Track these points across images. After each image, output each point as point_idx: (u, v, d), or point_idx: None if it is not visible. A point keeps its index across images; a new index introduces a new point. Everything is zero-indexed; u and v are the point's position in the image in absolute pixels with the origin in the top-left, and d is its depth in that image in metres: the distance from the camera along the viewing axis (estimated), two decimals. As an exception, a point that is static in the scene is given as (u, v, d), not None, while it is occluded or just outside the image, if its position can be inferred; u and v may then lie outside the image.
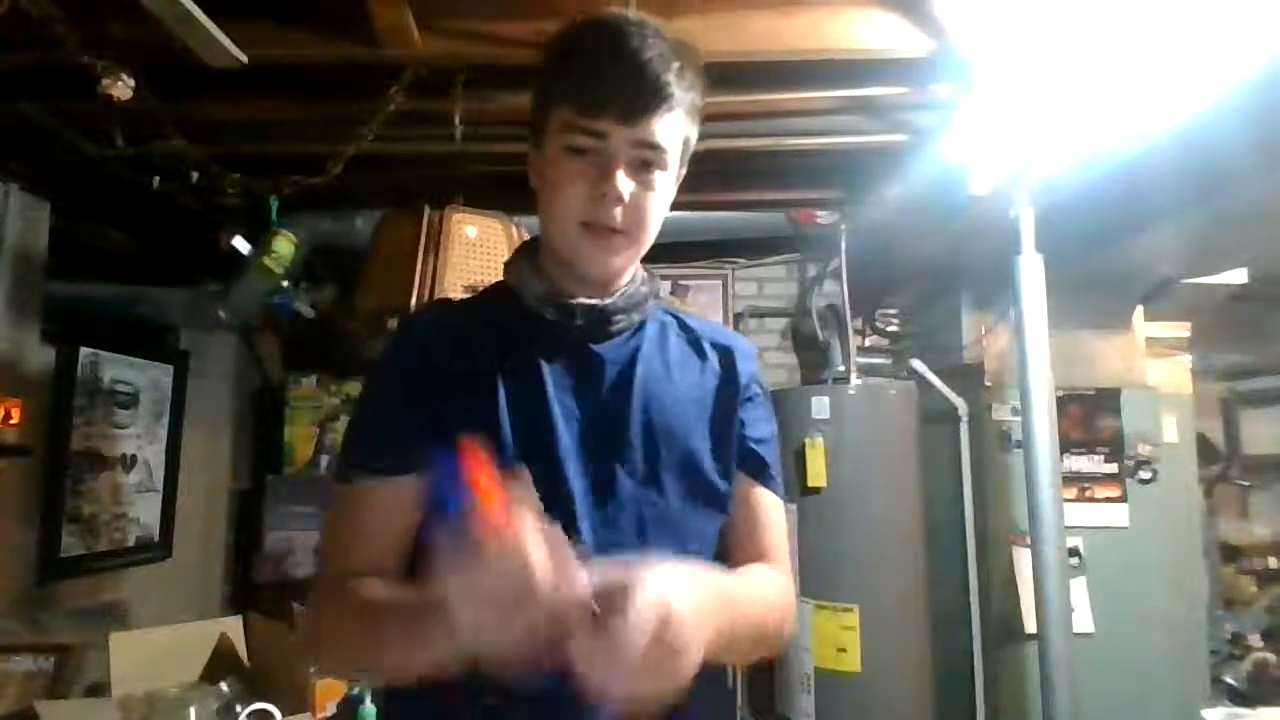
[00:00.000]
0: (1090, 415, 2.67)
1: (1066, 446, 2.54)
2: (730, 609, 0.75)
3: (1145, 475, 2.63)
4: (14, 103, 1.91)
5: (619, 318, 0.90)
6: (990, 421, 2.69)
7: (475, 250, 1.80)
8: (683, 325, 0.99)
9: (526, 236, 1.99)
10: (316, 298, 3.02)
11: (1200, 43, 1.42)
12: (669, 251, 3.18)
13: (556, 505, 0.75)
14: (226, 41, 1.49)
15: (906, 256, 2.77)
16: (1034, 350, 2.00)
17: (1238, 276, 2.52)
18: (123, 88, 1.59)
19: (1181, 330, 2.75)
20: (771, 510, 0.95)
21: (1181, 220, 1.96)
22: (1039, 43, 1.61)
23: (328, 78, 1.89)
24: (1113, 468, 2.64)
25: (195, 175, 2.18)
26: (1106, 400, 2.67)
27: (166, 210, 2.44)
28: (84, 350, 2.67)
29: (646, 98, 0.80)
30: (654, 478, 0.85)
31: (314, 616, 0.84)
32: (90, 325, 2.75)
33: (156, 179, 2.21)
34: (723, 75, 1.91)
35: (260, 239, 2.56)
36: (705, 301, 3.33)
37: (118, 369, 2.82)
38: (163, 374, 3.06)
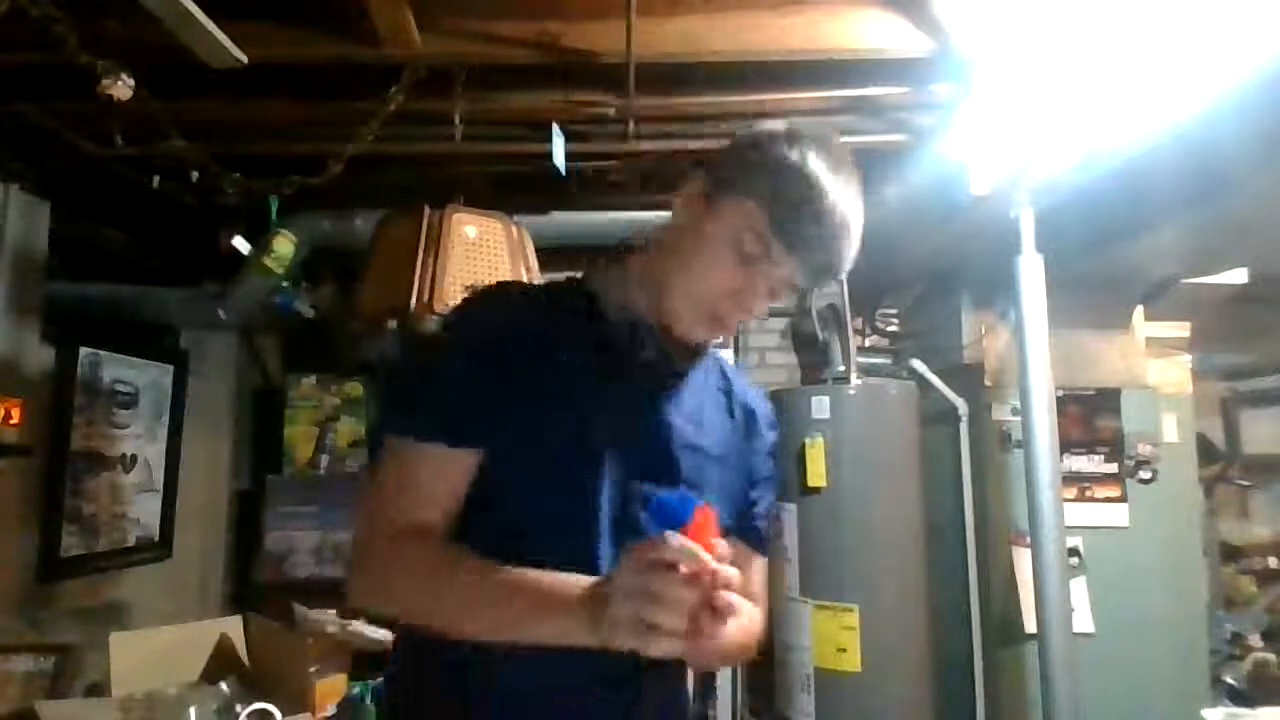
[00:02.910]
0: (1090, 415, 2.67)
1: (1066, 446, 2.54)
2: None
3: (1145, 475, 2.63)
4: (14, 103, 1.91)
5: (675, 368, 0.95)
6: (990, 421, 2.69)
7: (475, 250, 1.80)
8: (723, 374, 1.04)
9: (527, 236, 2.00)
10: (316, 298, 3.02)
11: (1200, 43, 1.42)
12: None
13: (581, 524, 0.85)
14: (226, 41, 1.49)
15: (906, 256, 2.77)
16: (1034, 350, 2.00)
17: (1238, 276, 2.52)
18: (123, 88, 1.59)
19: (1181, 330, 2.75)
20: (758, 573, 1.03)
21: (1182, 220, 1.96)
22: (1039, 43, 1.60)
23: (328, 78, 1.89)
24: (1113, 468, 2.64)
25: (195, 175, 2.18)
26: (1106, 400, 2.67)
27: (166, 210, 2.44)
28: (84, 350, 2.67)
29: (825, 274, 0.88)
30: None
31: (376, 559, 0.83)
32: (90, 325, 2.75)
33: (156, 179, 2.21)
34: (723, 75, 1.93)
35: (260, 239, 2.56)
36: (705, 301, 3.33)
37: (118, 369, 2.82)
38: (163, 374, 3.06)
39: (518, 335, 0.87)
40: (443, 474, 0.85)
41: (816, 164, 0.84)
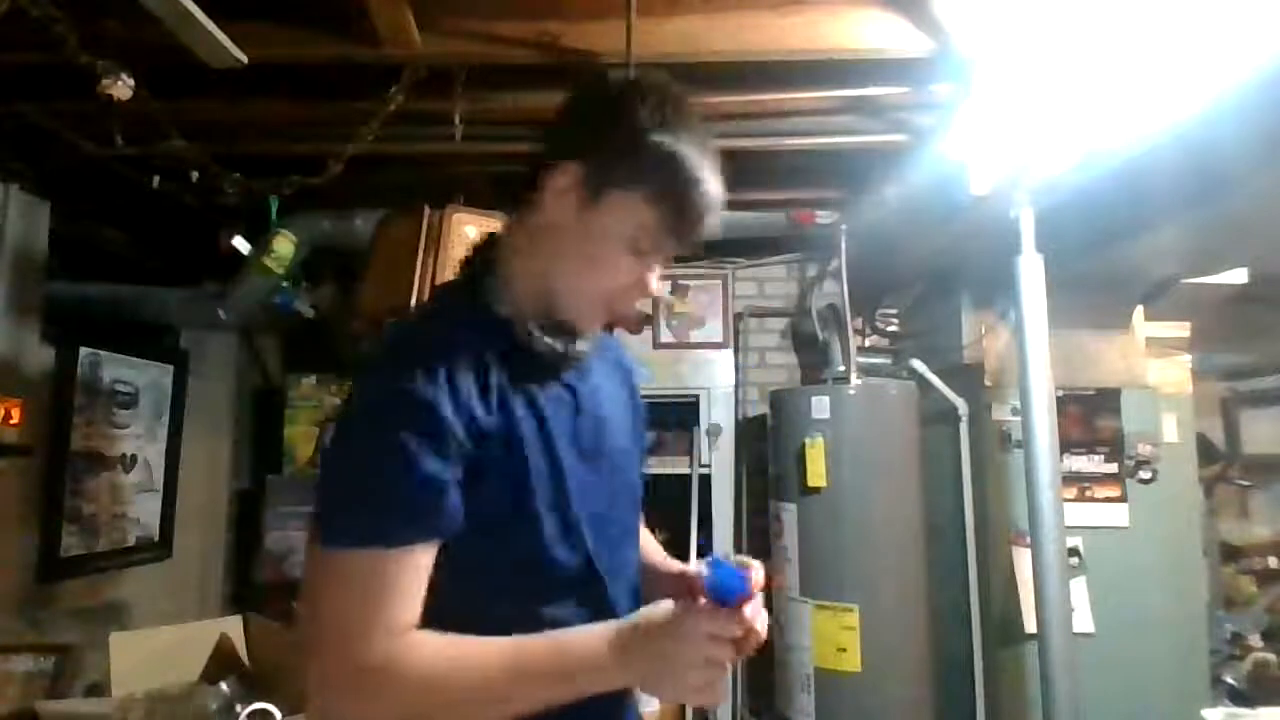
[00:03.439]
0: (1090, 415, 2.67)
1: (1066, 446, 2.54)
2: None
3: (1145, 475, 2.63)
4: (14, 103, 1.91)
5: (585, 352, 0.94)
6: (990, 421, 2.69)
7: (475, 250, 1.80)
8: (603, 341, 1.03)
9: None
10: (316, 298, 3.02)
11: (1200, 43, 1.42)
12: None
13: (573, 535, 0.87)
14: (226, 41, 1.49)
15: (906, 256, 2.77)
16: (1034, 350, 2.00)
17: (1238, 276, 2.52)
18: (123, 88, 1.59)
19: (1181, 330, 2.75)
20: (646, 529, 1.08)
21: (1182, 220, 1.96)
22: (1039, 43, 1.60)
23: (328, 78, 1.89)
24: (1113, 468, 2.64)
25: (195, 175, 2.18)
26: (1106, 400, 2.67)
27: (166, 210, 2.44)
28: (84, 350, 2.67)
29: (707, 223, 0.88)
30: (619, 495, 0.95)
31: (395, 663, 0.75)
32: (90, 325, 2.75)
33: (156, 179, 2.21)
34: (723, 75, 1.93)
35: (260, 239, 2.56)
36: (705, 301, 3.33)
37: (118, 369, 2.82)
38: (163, 374, 3.06)
39: (461, 389, 0.80)
40: (422, 568, 0.78)
41: (689, 144, 0.85)
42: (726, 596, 0.77)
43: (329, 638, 0.77)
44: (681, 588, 0.89)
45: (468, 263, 0.96)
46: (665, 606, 0.80)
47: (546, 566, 0.85)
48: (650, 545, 1.08)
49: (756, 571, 0.79)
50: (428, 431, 0.77)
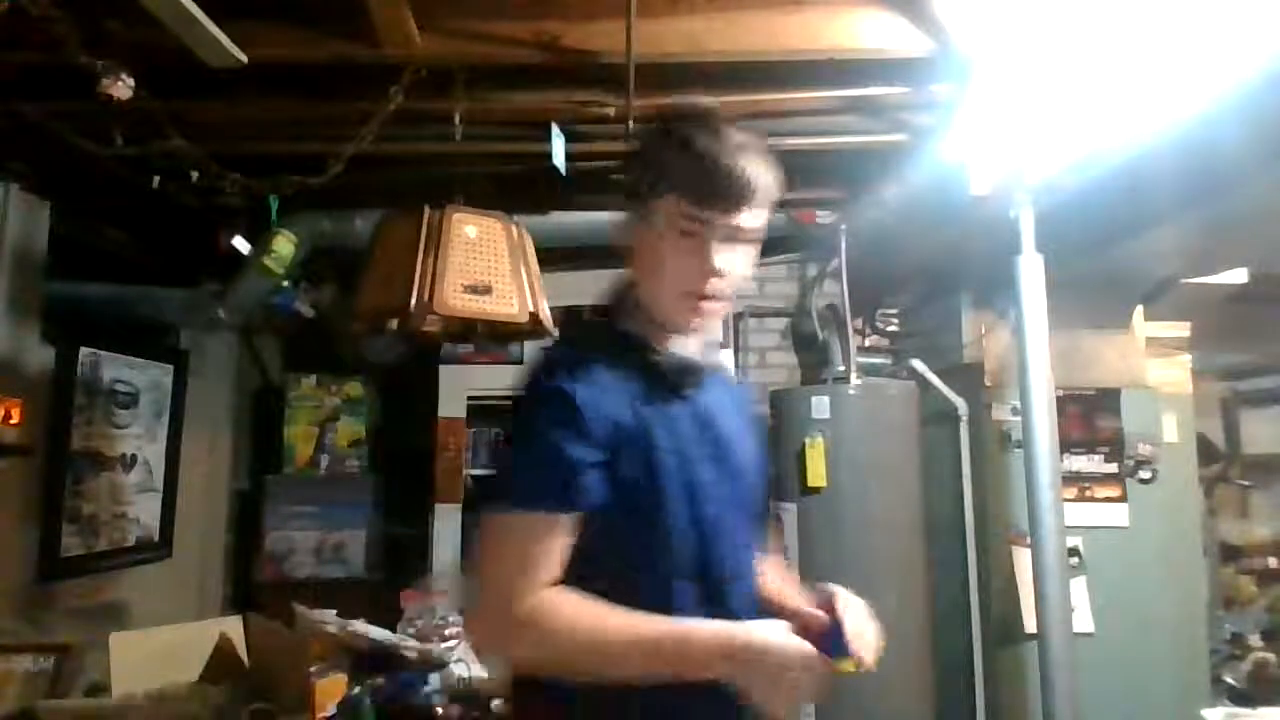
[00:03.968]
0: (1090, 415, 2.67)
1: (1066, 446, 2.54)
2: None
3: (1145, 475, 2.63)
4: (14, 103, 1.91)
5: (706, 371, 1.08)
6: (990, 421, 2.69)
7: (475, 250, 1.79)
8: (727, 383, 1.18)
9: (527, 236, 2.00)
10: (316, 298, 3.02)
11: (1200, 43, 1.42)
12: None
13: (702, 537, 1.00)
14: (226, 41, 1.49)
15: (906, 256, 2.77)
16: (1034, 350, 2.00)
17: (1238, 276, 2.52)
18: (123, 88, 1.59)
19: (1181, 330, 2.75)
20: (780, 517, 1.16)
21: (1182, 220, 1.96)
22: (1039, 43, 1.60)
23: (328, 78, 1.89)
24: (1113, 468, 2.64)
25: (195, 175, 2.18)
26: (1106, 400, 2.67)
27: (166, 210, 2.44)
28: (84, 350, 2.67)
29: (744, 195, 0.97)
30: (740, 502, 1.07)
31: (538, 614, 0.91)
32: (90, 325, 2.75)
33: (156, 179, 2.21)
34: (723, 75, 1.93)
35: (260, 239, 2.56)
36: (705, 301, 3.33)
37: (118, 369, 2.82)
38: (163, 374, 3.06)
39: (607, 399, 0.97)
40: (565, 534, 0.94)
41: (699, 134, 0.98)
42: (831, 653, 0.91)
43: (488, 589, 0.95)
44: (796, 621, 0.97)
45: (609, 297, 1.12)
46: (778, 627, 0.92)
47: (674, 548, 0.98)
48: (778, 574, 1.16)
49: (866, 654, 0.95)
50: (574, 426, 0.94)
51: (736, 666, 0.88)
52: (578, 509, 0.94)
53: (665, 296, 1.02)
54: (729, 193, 0.96)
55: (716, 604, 0.99)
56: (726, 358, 1.03)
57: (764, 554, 1.15)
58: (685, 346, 1.06)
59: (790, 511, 2.54)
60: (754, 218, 0.99)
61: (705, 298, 1.01)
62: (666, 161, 0.99)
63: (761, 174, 0.98)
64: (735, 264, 1.01)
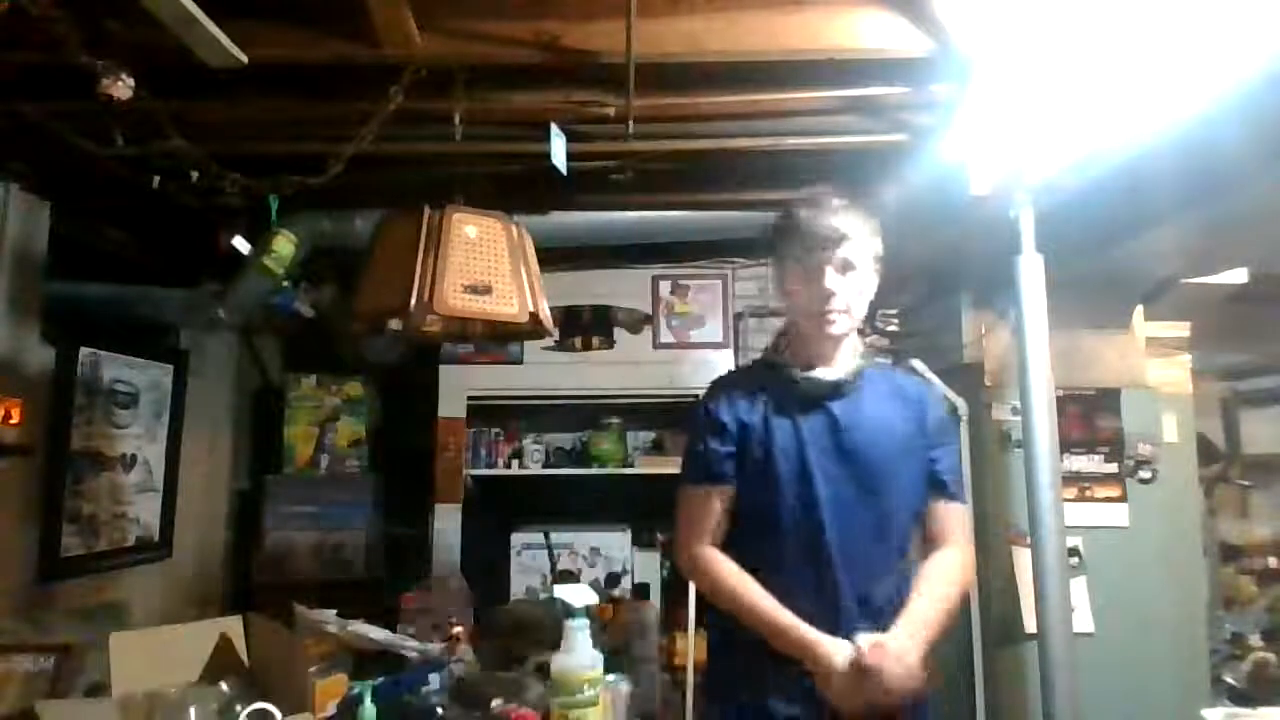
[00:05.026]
0: (1090, 415, 2.67)
1: (1066, 446, 2.54)
2: (926, 621, 1.34)
3: (1145, 475, 2.63)
4: (14, 103, 1.91)
5: (844, 384, 1.42)
6: (990, 421, 2.69)
7: (475, 250, 1.79)
8: (895, 378, 1.52)
9: (527, 236, 2.00)
10: (316, 298, 3.02)
11: (1200, 43, 1.42)
12: (669, 251, 3.19)
13: (807, 507, 1.36)
14: (226, 41, 1.49)
15: (906, 256, 2.76)
16: (1034, 350, 2.00)
17: (1238, 276, 2.51)
18: (123, 88, 1.59)
19: (1181, 330, 2.75)
20: (951, 514, 1.46)
21: (1182, 220, 1.96)
22: (1039, 43, 1.60)
23: (328, 78, 1.89)
24: (1113, 468, 2.64)
25: (195, 175, 2.18)
26: (1106, 400, 2.67)
27: (166, 210, 2.44)
28: (84, 350, 2.67)
29: (838, 233, 1.39)
30: (869, 490, 1.38)
31: (696, 563, 1.42)
32: (90, 325, 2.75)
33: (156, 179, 2.21)
34: (723, 75, 1.93)
35: (260, 239, 2.56)
36: (705, 301, 3.33)
37: (118, 369, 2.82)
38: (163, 374, 3.06)
39: (739, 405, 1.43)
40: (717, 501, 1.42)
41: (793, 210, 1.45)
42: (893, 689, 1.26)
43: (678, 537, 1.47)
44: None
45: (770, 342, 1.57)
46: (844, 651, 1.28)
47: (784, 521, 1.37)
48: (932, 580, 1.41)
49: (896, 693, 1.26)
50: (710, 423, 1.44)
51: (820, 672, 1.27)
52: (716, 482, 1.41)
53: (798, 324, 1.47)
54: (805, 234, 1.39)
55: (823, 564, 1.34)
56: (915, 369, 1.49)
57: (923, 540, 1.47)
58: (828, 371, 1.43)
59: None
60: (852, 250, 1.39)
61: (826, 314, 1.39)
62: (775, 234, 1.47)
63: (847, 223, 1.38)
64: (847, 284, 1.40)
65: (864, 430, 1.39)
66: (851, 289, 1.40)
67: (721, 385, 1.50)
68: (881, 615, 1.34)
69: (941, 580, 1.39)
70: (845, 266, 1.39)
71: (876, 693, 1.23)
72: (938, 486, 1.45)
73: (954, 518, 1.46)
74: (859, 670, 1.24)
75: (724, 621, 1.39)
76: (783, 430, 1.39)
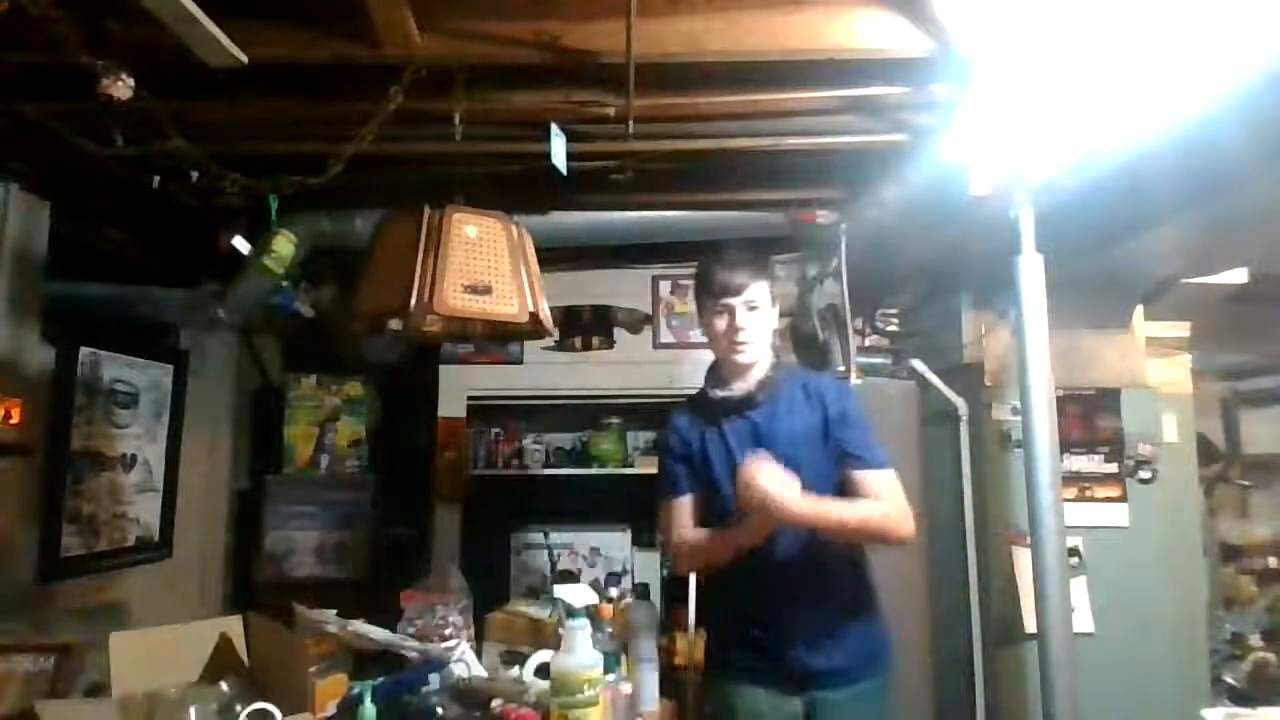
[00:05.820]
0: (1090, 415, 2.67)
1: (1066, 446, 2.54)
2: (818, 502, 1.59)
3: (1145, 475, 2.63)
4: (14, 103, 1.91)
5: (758, 396, 1.74)
6: (990, 421, 2.70)
7: (475, 250, 1.79)
8: (803, 384, 1.78)
9: (527, 236, 2.01)
10: (316, 298, 3.02)
11: (1200, 43, 1.42)
12: (669, 251, 3.19)
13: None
14: (226, 41, 1.49)
15: (906, 256, 2.77)
16: (1034, 350, 2.00)
17: (1238, 276, 2.52)
18: (123, 88, 1.59)
19: (1181, 330, 2.75)
20: (868, 479, 1.68)
21: (1182, 220, 1.96)
22: (1039, 43, 1.60)
23: (328, 78, 1.89)
24: (1113, 468, 2.64)
25: (195, 175, 2.18)
26: (1106, 400, 2.68)
27: (166, 210, 2.44)
28: (84, 350, 2.67)
29: (741, 284, 1.72)
30: (790, 471, 1.58)
31: (680, 546, 1.77)
32: (90, 325, 2.75)
33: (156, 179, 2.21)
34: (723, 75, 1.93)
35: (260, 239, 2.56)
36: (705, 301, 3.33)
37: (118, 369, 2.82)
38: (163, 374, 3.06)
39: (685, 433, 1.80)
40: (684, 506, 1.78)
41: (707, 264, 1.79)
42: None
43: (666, 537, 1.85)
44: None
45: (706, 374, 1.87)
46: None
47: (729, 506, 1.63)
48: (846, 500, 1.69)
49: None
50: (671, 452, 1.82)
51: (743, 501, 1.56)
52: (678, 494, 1.77)
53: (720, 354, 1.80)
54: (713, 284, 1.73)
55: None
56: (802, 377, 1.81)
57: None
58: (740, 387, 1.75)
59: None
60: (753, 294, 1.71)
61: (737, 346, 1.72)
62: (703, 282, 1.78)
63: (746, 275, 1.71)
64: (751, 322, 1.71)
65: (776, 427, 1.70)
66: (756, 324, 1.71)
67: (673, 418, 1.85)
68: (807, 561, 1.67)
69: (852, 504, 1.65)
70: (749, 307, 1.71)
71: (755, 496, 1.53)
72: (848, 459, 1.69)
73: (872, 481, 1.67)
74: (744, 477, 1.55)
75: (715, 576, 1.80)
76: (714, 441, 1.75)
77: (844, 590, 1.72)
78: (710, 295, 1.72)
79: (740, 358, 1.72)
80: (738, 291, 1.69)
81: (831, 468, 1.69)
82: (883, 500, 1.66)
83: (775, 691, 1.65)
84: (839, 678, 1.64)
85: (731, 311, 1.70)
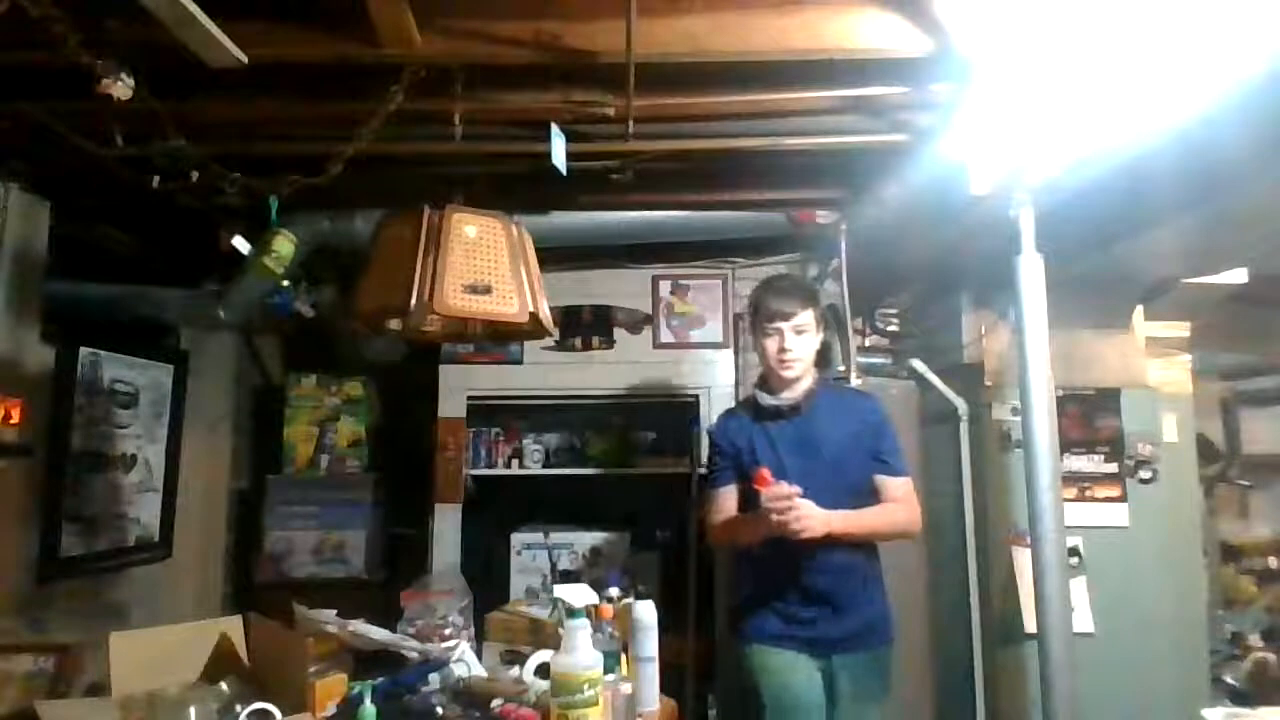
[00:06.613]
0: (1090, 415, 2.67)
1: (1066, 446, 2.54)
2: (848, 515, 1.87)
3: (1145, 475, 2.63)
4: (14, 103, 1.91)
5: (803, 406, 2.00)
6: (990, 421, 2.70)
7: (475, 250, 1.79)
8: (839, 395, 2.14)
9: (527, 236, 2.01)
10: (316, 298, 3.02)
11: (1200, 43, 1.42)
12: (669, 251, 3.19)
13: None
14: (226, 41, 1.49)
15: (906, 256, 2.77)
16: (1034, 350, 2.00)
17: (1238, 276, 2.51)
18: (123, 88, 1.59)
19: (1181, 330, 2.75)
20: (892, 484, 1.97)
21: (1182, 220, 1.96)
22: (1039, 43, 1.60)
23: (328, 78, 1.89)
24: (1113, 468, 2.64)
25: (195, 175, 2.18)
26: (1106, 400, 2.68)
27: (166, 210, 2.44)
28: (84, 350, 2.67)
29: (790, 311, 1.99)
30: (827, 472, 1.91)
31: (714, 527, 2.06)
32: (90, 325, 2.75)
33: (156, 179, 2.21)
34: (723, 75, 1.93)
35: (260, 239, 2.56)
36: (705, 301, 3.33)
37: (118, 369, 2.82)
38: (163, 374, 3.07)
39: (733, 432, 2.07)
40: (726, 496, 2.04)
41: (761, 290, 2.09)
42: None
43: (706, 520, 2.11)
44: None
45: (757, 379, 2.16)
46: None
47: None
48: (872, 508, 1.98)
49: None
50: (714, 446, 2.12)
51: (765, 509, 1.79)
52: (723, 485, 2.04)
53: (769, 369, 2.04)
54: (767, 308, 2.00)
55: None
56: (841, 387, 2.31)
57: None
58: (788, 397, 2.00)
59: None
60: (802, 320, 1.98)
61: (785, 363, 1.99)
62: (757, 305, 2.06)
63: (797, 302, 1.99)
64: (799, 343, 1.98)
65: (819, 433, 1.97)
66: (802, 345, 1.99)
67: (724, 419, 2.16)
68: (835, 551, 1.91)
69: (877, 510, 1.95)
70: (798, 331, 1.98)
71: (780, 524, 1.76)
72: (878, 464, 1.98)
73: (895, 486, 1.97)
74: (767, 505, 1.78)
75: (749, 553, 2.03)
76: (762, 441, 2.00)
77: (860, 570, 1.97)
78: (764, 319, 2.00)
79: (787, 373, 1.98)
80: (787, 317, 1.96)
81: (865, 470, 1.97)
82: (901, 504, 1.97)
83: (804, 654, 1.92)
84: (855, 642, 1.93)
85: (781, 334, 1.97)
